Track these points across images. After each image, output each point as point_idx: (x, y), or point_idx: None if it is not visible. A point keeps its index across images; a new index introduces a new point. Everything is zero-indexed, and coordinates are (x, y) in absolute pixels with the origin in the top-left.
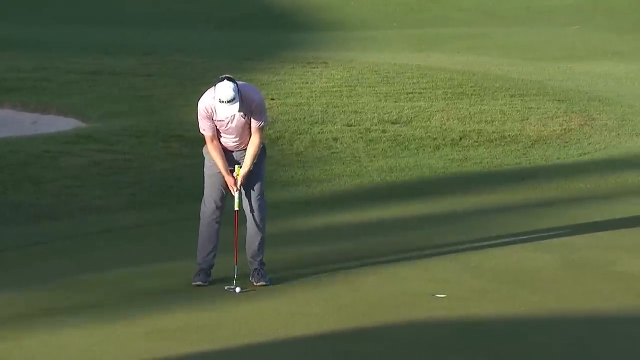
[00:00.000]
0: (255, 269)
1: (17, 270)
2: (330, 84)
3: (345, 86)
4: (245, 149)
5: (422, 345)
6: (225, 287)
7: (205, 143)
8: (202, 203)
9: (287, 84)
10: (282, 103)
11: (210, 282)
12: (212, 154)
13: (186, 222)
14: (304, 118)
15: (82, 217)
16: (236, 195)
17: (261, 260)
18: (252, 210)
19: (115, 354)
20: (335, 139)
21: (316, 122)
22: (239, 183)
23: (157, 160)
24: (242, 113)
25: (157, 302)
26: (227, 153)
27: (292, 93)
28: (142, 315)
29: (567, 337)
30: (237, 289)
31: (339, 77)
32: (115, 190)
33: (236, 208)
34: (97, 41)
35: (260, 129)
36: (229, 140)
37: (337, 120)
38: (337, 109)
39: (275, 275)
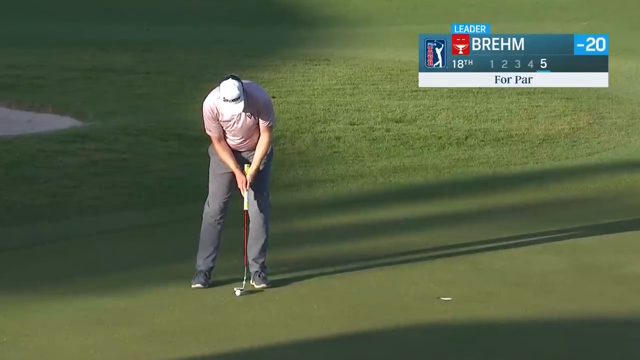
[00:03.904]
0: (256, 271)
1: (13, 271)
2: (333, 82)
3: (348, 84)
4: (253, 149)
5: (427, 349)
6: (235, 289)
7: (210, 143)
8: (206, 204)
9: (288, 81)
10: (284, 101)
11: (210, 284)
12: (221, 154)
13: (186, 223)
14: (306, 116)
15: (78, 217)
16: (245, 194)
17: (263, 262)
18: (255, 212)
19: (114, 356)
20: (338, 138)
21: (318, 121)
22: (248, 182)
23: (155, 160)
24: (248, 113)
25: (156, 304)
26: (235, 153)
27: (293, 91)
28: (141, 318)
29: (575, 341)
30: (238, 292)
31: (341, 74)
32: (112, 190)
33: (245, 207)
34: (94, 38)
35: (269, 129)
36: (235, 141)
37: (340, 118)
38: (339, 107)
39: (276, 277)
